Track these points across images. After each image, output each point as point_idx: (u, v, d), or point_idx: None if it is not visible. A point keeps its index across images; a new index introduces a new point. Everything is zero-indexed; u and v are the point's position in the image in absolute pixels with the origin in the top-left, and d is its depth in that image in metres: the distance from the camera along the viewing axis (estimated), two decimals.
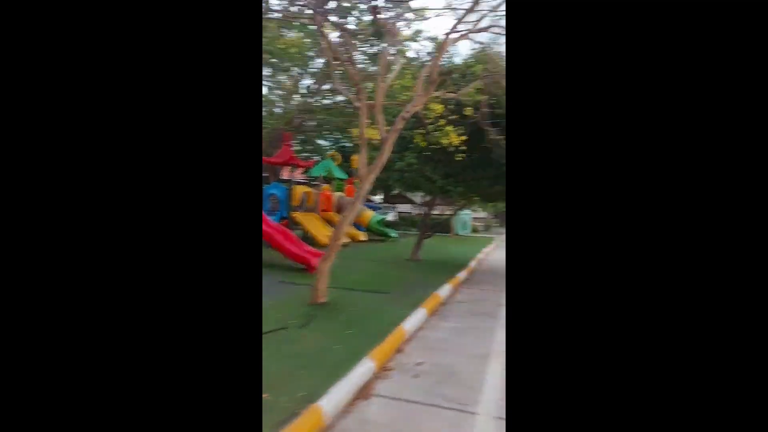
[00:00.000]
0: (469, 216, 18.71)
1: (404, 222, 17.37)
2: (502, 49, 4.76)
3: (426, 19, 3.98)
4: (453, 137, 4.44)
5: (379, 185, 7.40)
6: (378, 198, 18.92)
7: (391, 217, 16.92)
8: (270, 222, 6.30)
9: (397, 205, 19.49)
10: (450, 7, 3.70)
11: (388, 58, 3.74)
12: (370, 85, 5.45)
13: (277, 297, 4.37)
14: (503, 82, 4.41)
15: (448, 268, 7.06)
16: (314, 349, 2.96)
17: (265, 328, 3.20)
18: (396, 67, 3.99)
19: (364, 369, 2.68)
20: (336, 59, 3.67)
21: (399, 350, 3.29)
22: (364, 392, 2.53)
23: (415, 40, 4.08)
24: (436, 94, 4.03)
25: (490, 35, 4.59)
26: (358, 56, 4.51)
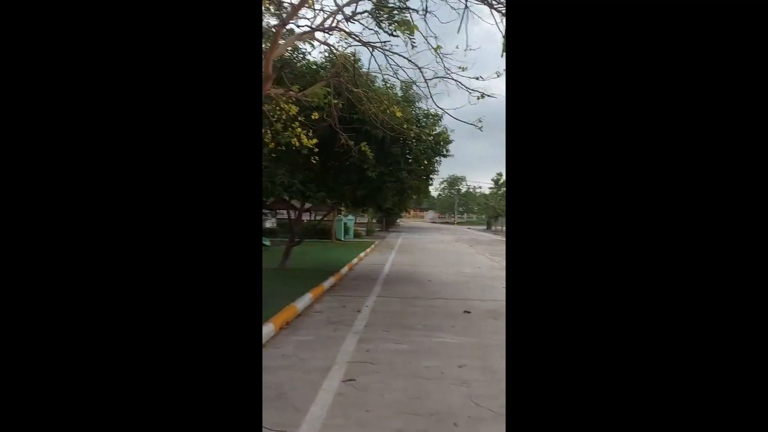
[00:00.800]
0: (351, 221, 18.87)
1: (284, 229, 16.63)
2: (351, 51, 4.76)
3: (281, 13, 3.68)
4: (304, 139, 4.23)
5: None
6: None
7: (269, 224, 15.99)
8: None
9: (277, 211, 18.59)
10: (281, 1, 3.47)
11: None
12: None
13: None
14: (353, 87, 4.38)
15: (316, 275, 6.83)
16: None
17: None
18: None
19: None
20: None
21: None
22: None
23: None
24: (279, 91, 3.77)
25: (343, 38, 4.52)
26: None
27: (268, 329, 3.79)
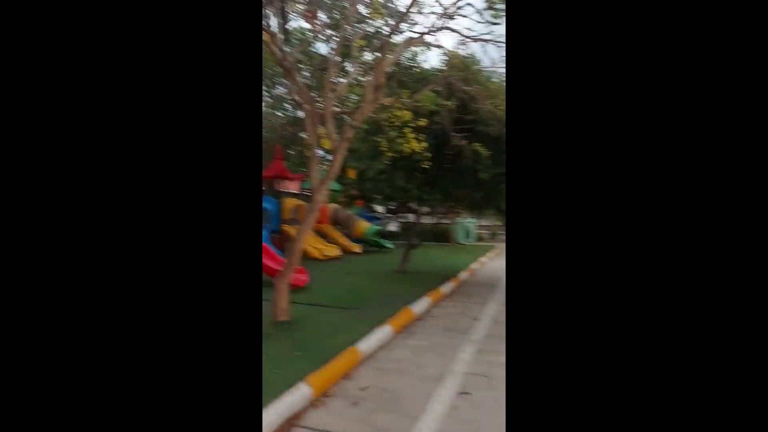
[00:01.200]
0: (472, 224, 18.30)
1: (407, 232, 17.09)
2: (468, 51, 4.58)
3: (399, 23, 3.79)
4: (414, 144, 4.25)
5: (360, 195, 7.23)
6: (381, 208, 18.74)
7: (393, 227, 16.64)
8: None
9: (401, 214, 19.23)
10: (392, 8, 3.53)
11: (336, 62, 3.61)
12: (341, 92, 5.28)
13: None
14: (467, 87, 4.22)
15: (434, 279, 6.80)
16: None
17: None
18: (349, 73, 3.85)
19: (296, 397, 2.48)
20: (281, 65, 3.54)
21: (347, 373, 3.07)
22: (289, 423, 2.32)
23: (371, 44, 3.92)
24: (390, 100, 3.86)
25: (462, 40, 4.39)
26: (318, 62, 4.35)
27: (385, 331, 3.90)
